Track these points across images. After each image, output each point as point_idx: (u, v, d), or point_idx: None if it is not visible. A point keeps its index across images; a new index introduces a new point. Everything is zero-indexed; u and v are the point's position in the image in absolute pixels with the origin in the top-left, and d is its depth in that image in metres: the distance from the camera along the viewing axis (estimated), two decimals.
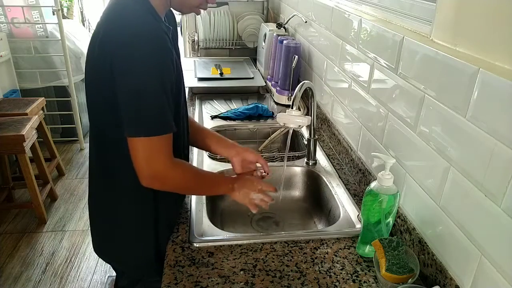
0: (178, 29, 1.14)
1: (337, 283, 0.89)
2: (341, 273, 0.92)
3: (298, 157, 1.45)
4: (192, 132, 1.16)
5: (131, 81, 0.80)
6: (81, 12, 4.50)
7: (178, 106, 0.96)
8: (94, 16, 4.96)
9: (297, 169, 1.39)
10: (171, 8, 0.95)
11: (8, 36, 3.12)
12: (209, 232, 1.04)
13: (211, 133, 1.22)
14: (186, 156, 1.10)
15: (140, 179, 0.88)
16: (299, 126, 1.15)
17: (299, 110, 1.15)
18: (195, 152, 1.43)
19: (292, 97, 1.18)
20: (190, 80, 2.05)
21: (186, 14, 1.01)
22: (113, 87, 0.81)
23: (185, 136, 1.08)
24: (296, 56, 1.74)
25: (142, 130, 0.83)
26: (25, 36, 3.22)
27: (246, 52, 2.62)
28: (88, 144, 1.08)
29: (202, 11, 0.97)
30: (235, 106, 1.88)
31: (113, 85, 0.81)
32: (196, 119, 1.73)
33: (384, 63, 1.07)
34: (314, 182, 1.36)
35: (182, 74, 1.04)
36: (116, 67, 0.80)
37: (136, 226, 1.02)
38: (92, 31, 0.94)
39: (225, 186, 1.05)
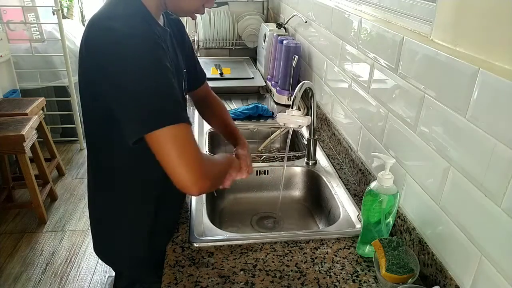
0: None
1: (337, 283, 0.89)
2: (341, 273, 0.92)
3: (298, 157, 1.45)
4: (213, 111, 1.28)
5: (129, 80, 0.74)
6: (81, 12, 4.49)
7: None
8: None
9: (297, 169, 1.39)
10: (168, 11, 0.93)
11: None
12: (209, 232, 1.04)
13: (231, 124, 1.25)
14: None
15: (183, 186, 0.73)
16: (299, 126, 1.15)
17: (299, 110, 1.15)
18: None
19: (292, 97, 1.18)
20: None
21: (182, 17, 0.98)
22: (100, 87, 0.78)
23: None
24: (296, 56, 1.74)
25: (165, 119, 0.72)
26: (21, 39, 3.20)
27: (246, 52, 2.62)
28: None
29: (198, 15, 0.94)
30: (235, 106, 1.88)
31: (100, 85, 0.77)
32: (196, 119, 1.72)
33: (384, 63, 1.07)
34: (314, 182, 1.36)
35: (184, 77, 1.03)
36: (105, 70, 0.75)
37: (131, 226, 1.01)
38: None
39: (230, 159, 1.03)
